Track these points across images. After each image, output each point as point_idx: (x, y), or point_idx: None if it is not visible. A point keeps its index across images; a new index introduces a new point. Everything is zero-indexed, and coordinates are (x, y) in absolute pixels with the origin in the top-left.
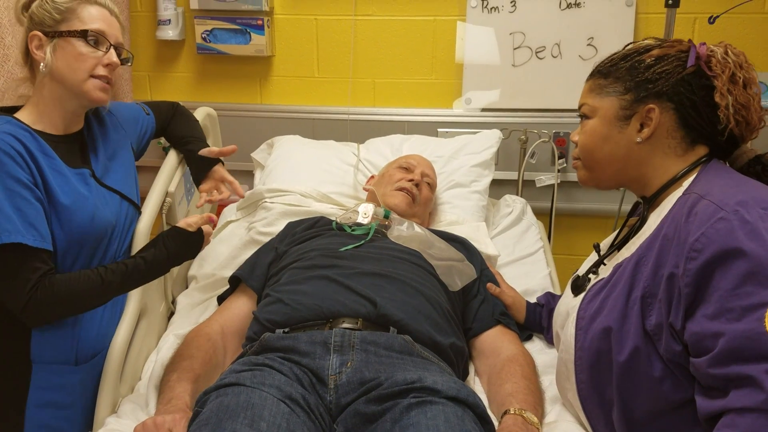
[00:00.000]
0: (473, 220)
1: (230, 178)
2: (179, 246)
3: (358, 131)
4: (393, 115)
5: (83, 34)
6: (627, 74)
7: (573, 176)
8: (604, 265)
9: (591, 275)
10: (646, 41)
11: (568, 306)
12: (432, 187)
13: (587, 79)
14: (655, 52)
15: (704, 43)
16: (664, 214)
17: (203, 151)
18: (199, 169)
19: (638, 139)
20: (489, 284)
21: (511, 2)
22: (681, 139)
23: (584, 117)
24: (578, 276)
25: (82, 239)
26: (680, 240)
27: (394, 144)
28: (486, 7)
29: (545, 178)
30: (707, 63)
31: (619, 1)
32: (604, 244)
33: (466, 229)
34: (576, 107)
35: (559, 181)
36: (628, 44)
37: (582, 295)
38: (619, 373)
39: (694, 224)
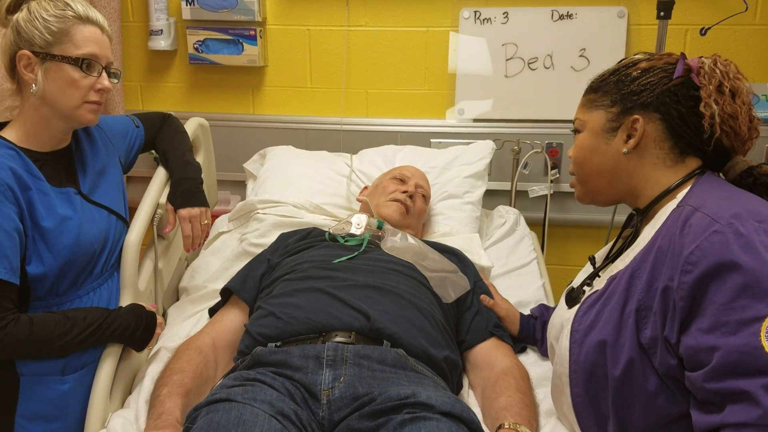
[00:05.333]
0: (466, 231)
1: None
2: (128, 314)
3: (350, 141)
4: (386, 125)
5: (77, 62)
6: (614, 87)
7: (566, 187)
8: (599, 277)
9: (585, 287)
10: (636, 56)
11: (563, 318)
12: (426, 198)
13: (582, 96)
14: (642, 65)
15: (700, 57)
16: (658, 226)
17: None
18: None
19: (624, 150)
20: (482, 296)
21: (504, 13)
22: (669, 149)
23: (576, 132)
24: (572, 288)
25: (70, 260)
26: (674, 253)
27: (388, 155)
28: (478, 18)
29: (538, 189)
30: (697, 74)
31: (611, 12)
32: (599, 256)
33: (459, 240)
34: (568, 118)
35: (552, 192)
36: (620, 60)
37: (576, 307)
38: (614, 386)
39: (688, 237)
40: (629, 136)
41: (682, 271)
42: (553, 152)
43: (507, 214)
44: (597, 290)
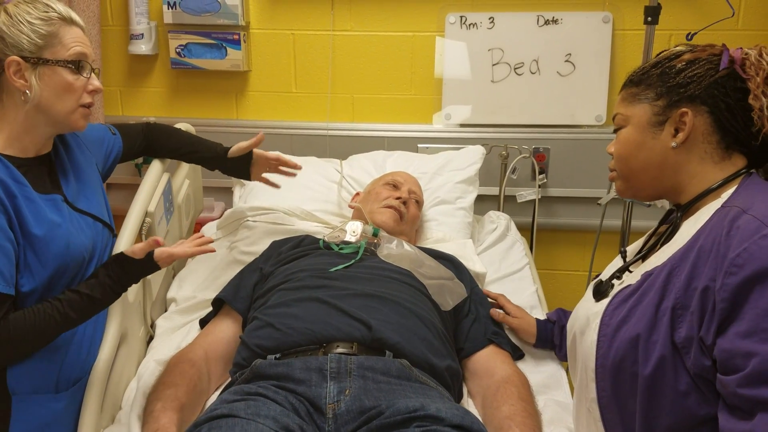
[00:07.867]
0: (459, 236)
1: (274, 155)
2: (122, 273)
3: (337, 147)
4: (373, 130)
5: (73, 64)
6: (658, 80)
7: (553, 191)
8: (630, 272)
9: (614, 281)
10: (677, 47)
11: (589, 311)
12: (419, 204)
13: (620, 90)
14: (686, 56)
15: (741, 48)
16: (700, 224)
17: (233, 151)
18: (239, 166)
19: (673, 144)
20: (492, 310)
21: (490, 19)
22: (716, 144)
23: (617, 128)
24: (600, 281)
25: (60, 268)
26: (719, 253)
27: (378, 160)
28: (464, 23)
29: (526, 194)
30: (741, 65)
31: (596, 18)
32: (631, 250)
33: (453, 247)
34: (555, 123)
35: (539, 197)
36: (660, 52)
37: (606, 301)
38: (643, 383)
39: (735, 239)
40: (677, 130)
41: (727, 272)
42: (540, 157)
43: (498, 220)
44: (630, 285)
